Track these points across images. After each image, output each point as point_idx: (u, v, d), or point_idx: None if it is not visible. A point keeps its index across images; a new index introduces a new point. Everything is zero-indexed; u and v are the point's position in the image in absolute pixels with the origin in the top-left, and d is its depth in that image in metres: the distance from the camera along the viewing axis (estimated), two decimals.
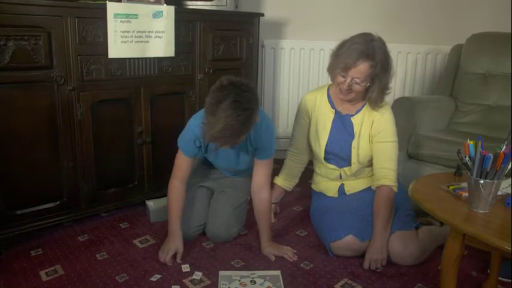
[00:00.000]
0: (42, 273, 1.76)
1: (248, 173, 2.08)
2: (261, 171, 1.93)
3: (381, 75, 1.83)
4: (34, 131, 1.88)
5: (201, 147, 1.88)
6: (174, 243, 1.88)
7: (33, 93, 1.84)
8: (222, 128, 1.57)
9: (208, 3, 2.39)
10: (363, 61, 1.78)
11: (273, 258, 1.90)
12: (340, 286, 1.73)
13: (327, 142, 2.02)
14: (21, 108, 1.82)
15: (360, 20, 3.03)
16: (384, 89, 1.89)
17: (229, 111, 1.55)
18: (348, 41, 1.85)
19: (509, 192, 1.41)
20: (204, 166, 2.17)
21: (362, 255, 1.87)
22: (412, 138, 2.39)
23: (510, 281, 1.76)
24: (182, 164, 1.91)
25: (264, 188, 1.94)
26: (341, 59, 1.82)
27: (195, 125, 1.82)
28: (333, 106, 2.01)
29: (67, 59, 1.90)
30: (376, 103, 1.92)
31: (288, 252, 1.93)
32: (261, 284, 1.72)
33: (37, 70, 1.83)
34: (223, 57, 2.43)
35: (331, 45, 1.97)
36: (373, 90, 1.87)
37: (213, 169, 2.17)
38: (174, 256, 1.87)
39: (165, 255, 1.85)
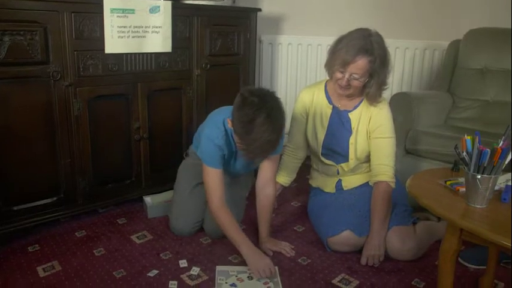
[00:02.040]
0: (39, 269, 1.76)
1: (250, 170, 2.07)
2: (267, 167, 1.93)
3: (379, 71, 1.83)
4: (30, 127, 1.87)
5: (224, 155, 1.88)
6: (263, 260, 1.74)
7: (29, 88, 1.83)
8: (261, 144, 1.60)
9: None
10: (362, 57, 1.78)
11: (271, 254, 1.90)
12: (338, 281, 1.74)
13: (325, 138, 2.02)
14: (17, 103, 1.81)
15: (357, 15, 3.02)
16: (382, 84, 1.89)
17: (265, 126, 1.56)
18: (345, 37, 1.84)
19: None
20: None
21: (359, 251, 1.88)
22: (410, 133, 2.39)
23: (510, 262, 1.81)
24: (216, 179, 1.83)
25: (270, 183, 1.95)
26: (339, 55, 1.81)
27: (215, 137, 1.80)
28: (330, 102, 2.01)
29: (63, 54, 1.89)
30: (374, 98, 1.91)
31: (286, 248, 1.93)
32: (258, 280, 1.72)
33: (33, 65, 1.82)
34: (220, 53, 2.42)
35: (329, 40, 1.96)
36: (372, 85, 1.86)
37: None
38: None
39: (265, 273, 1.72)
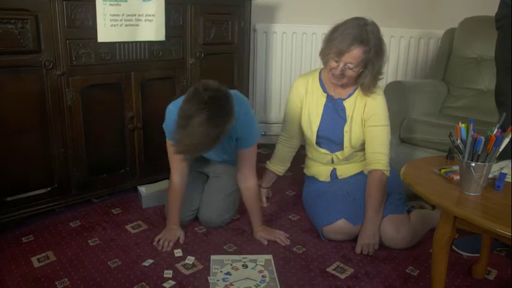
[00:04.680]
0: (34, 259, 1.76)
1: (224, 158, 2.06)
2: (244, 161, 1.90)
3: (374, 61, 1.82)
4: (23, 117, 1.85)
5: None
6: (171, 233, 1.90)
7: (21, 78, 1.81)
8: (191, 144, 1.56)
9: None
10: (357, 46, 1.77)
11: (266, 243, 1.91)
12: (333, 269, 1.74)
13: (319, 126, 2.01)
14: (9, 93, 1.79)
15: (352, 4, 3.00)
16: (377, 74, 1.88)
17: (201, 128, 1.50)
18: (341, 26, 1.83)
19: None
20: None
21: (354, 239, 1.88)
22: (405, 122, 2.39)
23: (505, 249, 1.83)
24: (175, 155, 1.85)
25: (249, 177, 1.92)
26: (334, 43, 1.80)
27: (175, 112, 1.78)
28: (324, 90, 2.00)
29: (55, 43, 1.86)
30: (368, 89, 1.90)
31: (281, 237, 1.93)
32: (252, 268, 1.72)
33: (25, 54, 1.79)
34: (214, 41, 2.40)
35: (324, 29, 1.95)
36: (366, 75, 1.85)
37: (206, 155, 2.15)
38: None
39: (161, 245, 1.86)
